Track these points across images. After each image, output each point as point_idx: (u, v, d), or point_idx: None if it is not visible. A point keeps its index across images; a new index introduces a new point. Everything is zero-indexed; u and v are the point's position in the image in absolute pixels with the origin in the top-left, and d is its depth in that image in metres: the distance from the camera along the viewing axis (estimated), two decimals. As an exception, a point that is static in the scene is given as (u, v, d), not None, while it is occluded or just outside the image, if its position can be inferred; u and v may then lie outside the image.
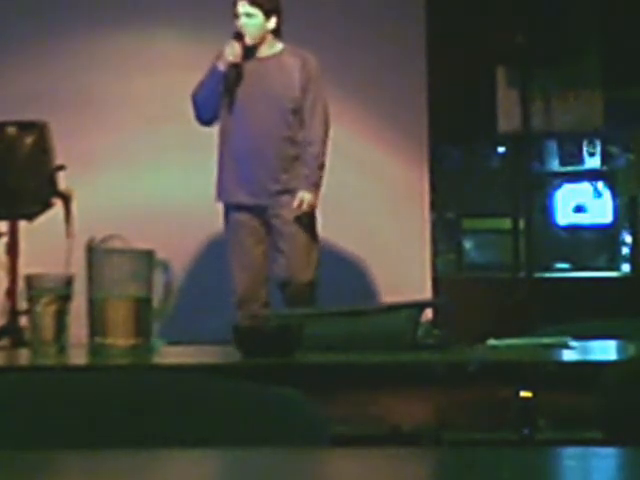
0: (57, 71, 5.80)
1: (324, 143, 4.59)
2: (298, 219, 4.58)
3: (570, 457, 1.13)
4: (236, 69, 4.53)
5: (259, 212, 4.62)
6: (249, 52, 4.55)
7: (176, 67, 5.77)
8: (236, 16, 4.53)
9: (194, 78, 5.64)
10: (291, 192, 4.57)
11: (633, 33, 5.84)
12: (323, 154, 4.60)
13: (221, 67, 4.52)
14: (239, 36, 4.50)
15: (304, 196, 4.54)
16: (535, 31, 5.75)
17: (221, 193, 4.71)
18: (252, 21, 4.51)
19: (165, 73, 5.78)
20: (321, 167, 4.61)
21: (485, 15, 5.83)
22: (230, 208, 4.70)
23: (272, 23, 4.55)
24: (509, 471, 1.06)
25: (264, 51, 4.59)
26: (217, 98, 4.55)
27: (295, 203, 4.54)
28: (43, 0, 5.91)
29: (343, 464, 1.12)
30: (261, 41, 4.56)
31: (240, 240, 4.65)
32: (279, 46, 4.62)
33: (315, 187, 4.58)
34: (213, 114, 4.60)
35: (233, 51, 4.48)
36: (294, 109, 4.55)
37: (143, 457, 1.15)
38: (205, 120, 4.66)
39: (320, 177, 4.61)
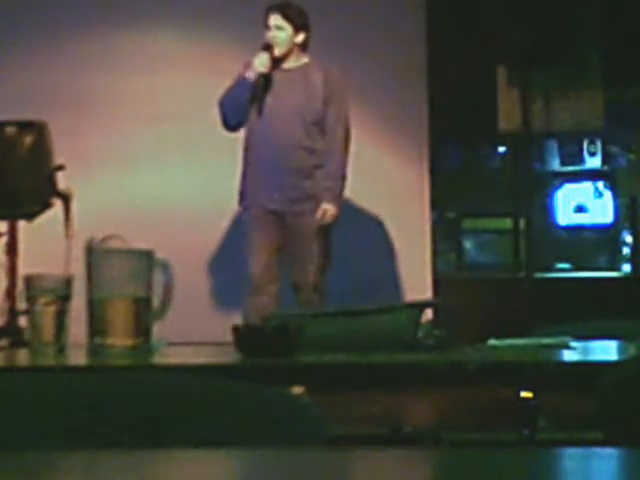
0: (56, 71, 5.79)
1: (345, 155, 4.80)
2: (316, 236, 4.74)
3: (570, 458, 1.12)
4: (264, 79, 4.70)
5: (279, 217, 4.77)
6: (276, 63, 4.74)
7: (176, 67, 5.77)
8: (267, 27, 4.73)
9: (195, 78, 5.66)
10: (310, 200, 4.74)
11: (634, 33, 5.84)
12: (344, 166, 4.80)
13: (250, 76, 4.68)
14: (268, 47, 4.69)
15: (327, 208, 4.71)
16: (536, 31, 5.75)
17: (244, 198, 4.85)
18: (282, 34, 4.73)
19: (165, 73, 5.78)
20: (343, 179, 4.80)
21: (485, 15, 5.83)
22: (251, 212, 4.82)
23: (300, 37, 4.77)
24: (509, 472, 1.06)
25: (290, 63, 4.79)
26: (245, 106, 4.71)
27: (318, 214, 4.71)
28: (42, 0, 5.91)
29: (343, 464, 1.12)
30: (288, 53, 4.76)
31: (257, 240, 4.79)
32: (304, 59, 4.81)
33: (338, 199, 4.77)
34: (240, 121, 4.77)
35: (262, 62, 4.67)
36: (315, 120, 4.73)
37: (143, 458, 1.15)
38: (232, 126, 4.82)
39: (342, 189, 4.80)
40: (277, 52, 4.72)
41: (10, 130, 4.64)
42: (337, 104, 4.76)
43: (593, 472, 1.07)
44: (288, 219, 4.76)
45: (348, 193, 5.68)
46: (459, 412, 1.90)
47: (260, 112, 4.70)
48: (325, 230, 4.78)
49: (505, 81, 6.05)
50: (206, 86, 5.20)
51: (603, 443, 1.55)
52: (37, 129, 4.66)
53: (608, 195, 6.41)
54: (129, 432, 1.36)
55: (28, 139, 4.62)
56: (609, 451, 1.18)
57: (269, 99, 4.71)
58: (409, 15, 5.90)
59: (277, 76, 4.74)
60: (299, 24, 4.75)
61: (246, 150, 4.80)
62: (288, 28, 4.73)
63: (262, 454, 1.15)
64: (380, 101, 5.84)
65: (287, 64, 4.78)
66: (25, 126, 4.66)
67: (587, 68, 5.99)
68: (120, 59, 5.80)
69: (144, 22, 5.88)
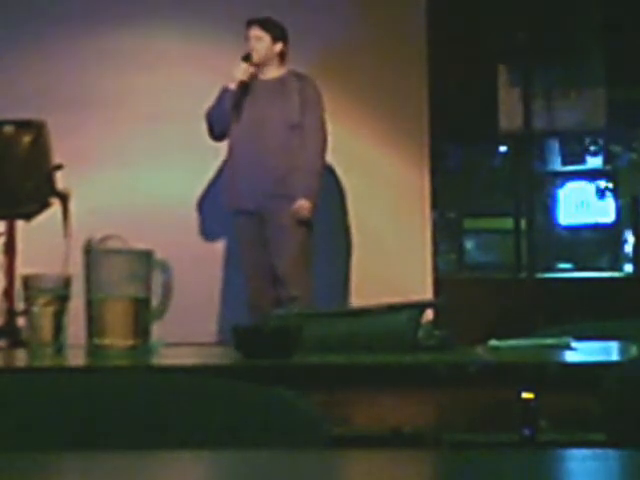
0: (55, 70, 5.79)
1: (321, 155, 5.04)
2: (292, 232, 4.93)
3: (572, 459, 1.12)
4: (244, 88, 5.03)
5: (259, 218, 4.99)
6: (255, 72, 5.07)
7: (175, 66, 5.77)
8: (247, 39, 5.09)
9: (193, 77, 5.66)
10: (285, 197, 4.93)
11: (636, 31, 5.83)
12: (320, 164, 5.04)
13: (232, 86, 5.02)
14: (247, 57, 5.04)
15: (302, 203, 4.92)
16: (537, 29, 5.75)
17: (228, 201, 5.11)
18: (260, 43, 5.07)
19: (164, 72, 5.78)
20: (318, 176, 5.01)
21: (486, 13, 5.82)
22: (236, 215, 5.09)
23: (278, 47, 5.10)
24: (510, 473, 1.06)
25: (269, 74, 5.10)
26: (228, 114, 5.03)
27: (292, 209, 4.90)
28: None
29: (343, 465, 1.12)
30: (267, 63, 5.09)
31: (246, 247, 5.09)
32: (282, 70, 5.12)
33: (311, 194, 4.96)
34: (224, 130, 5.08)
35: (242, 71, 5.02)
36: (292, 125, 4.99)
37: (142, 459, 1.15)
38: (217, 136, 5.14)
39: (316, 186, 4.99)
40: (256, 58, 5.05)
41: (8, 129, 4.63)
42: (313, 109, 5.04)
43: (595, 473, 1.06)
44: (267, 217, 4.97)
45: (349, 193, 5.69)
46: (460, 413, 1.89)
47: (239, 119, 5.01)
48: (303, 228, 4.95)
49: (506, 80, 6.05)
50: (206, 85, 5.20)
51: (605, 444, 1.54)
52: (35, 128, 4.65)
53: (610, 195, 6.40)
54: (128, 433, 1.36)
55: (26, 138, 4.61)
56: (611, 452, 1.17)
57: (249, 107, 5.03)
58: (409, 14, 5.90)
59: (257, 86, 5.06)
60: (277, 35, 5.09)
61: (229, 156, 5.09)
62: (266, 38, 5.08)
63: (262, 455, 1.15)
64: (380, 100, 5.84)
65: (266, 75, 5.09)
66: (23, 125, 4.65)
67: (589, 67, 5.98)
68: (119, 58, 5.79)
69: (143, 21, 5.88)
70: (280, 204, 4.93)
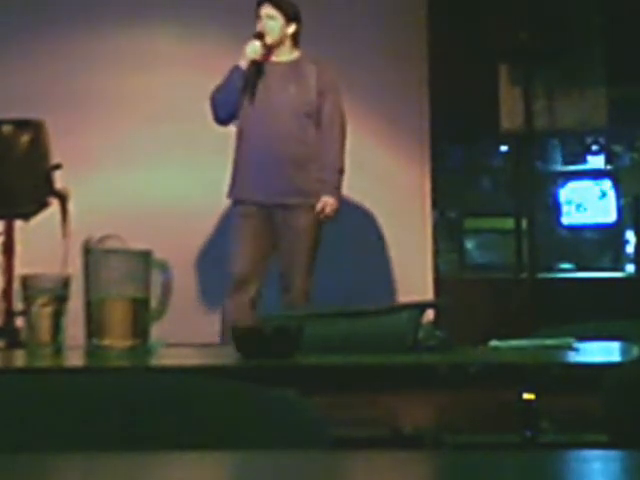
0: (54, 69, 5.78)
1: (342, 148, 4.76)
2: (307, 234, 4.70)
3: (573, 460, 1.11)
4: (256, 68, 4.71)
5: (267, 214, 4.72)
6: (268, 53, 4.75)
7: (175, 65, 5.77)
8: (258, 17, 4.76)
9: (193, 76, 5.65)
10: (300, 194, 4.70)
11: (637, 30, 5.83)
12: (341, 159, 4.76)
13: (242, 65, 4.70)
14: (260, 35, 4.71)
15: (327, 200, 4.69)
16: (538, 28, 5.74)
17: (234, 190, 4.80)
18: (273, 23, 4.74)
19: (163, 71, 5.77)
20: (341, 171, 4.76)
21: (487, 13, 5.82)
22: (240, 205, 4.78)
23: (291, 28, 4.77)
24: (511, 474, 1.05)
25: (282, 56, 4.79)
26: (237, 96, 4.70)
27: (318, 207, 4.69)
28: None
29: (343, 467, 1.11)
30: (280, 44, 4.76)
31: (244, 234, 4.74)
32: (296, 53, 4.81)
33: (337, 192, 4.74)
34: (231, 113, 4.76)
35: (254, 49, 4.68)
36: (309, 112, 4.71)
37: (141, 460, 1.14)
38: (223, 119, 4.81)
39: (340, 181, 4.76)
40: (269, 40, 4.72)
41: (7, 129, 4.63)
42: (332, 96, 4.75)
43: (597, 475, 1.05)
44: (277, 216, 4.71)
45: (349, 192, 5.68)
46: (460, 414, 1.88)
47: (252, 104, 4.69)
48: (317, 229, 4.74)
49: (507, 79, 6.04)
50: (205, 85, 5.18)
51: (607, 445, 1.54)
52: (34, 128, 4.65)
53: (611, 194, 6.39)
54: (127, 434, 1.35)
55: (25, 138, 4.61)
56: (613, 453, 1.16)
57: (261, 92, 4.71)
58: (410, 12, 5.90)
59: (269, 69, 4.74)
60: (290, 15, 4.75)
61: (238, 142, 4.77)
62: (279, 18, 4.74)
63: (262, 456, 1.14)
64: (381, 100, 5.84)
65: (279, 57, 4.78)
66: (22, 125, 4.65)
67: (590, 66, 5.98)
68: (118, 58, 5.79)
69: (142, 20, 5.88)
70: (294, 200, 4.66)
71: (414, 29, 5.89)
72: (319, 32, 5.71)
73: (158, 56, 5.80)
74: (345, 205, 5.57)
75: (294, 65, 4.77)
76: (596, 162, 6.41)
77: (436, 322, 2.66)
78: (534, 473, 1.05)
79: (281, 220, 4.71)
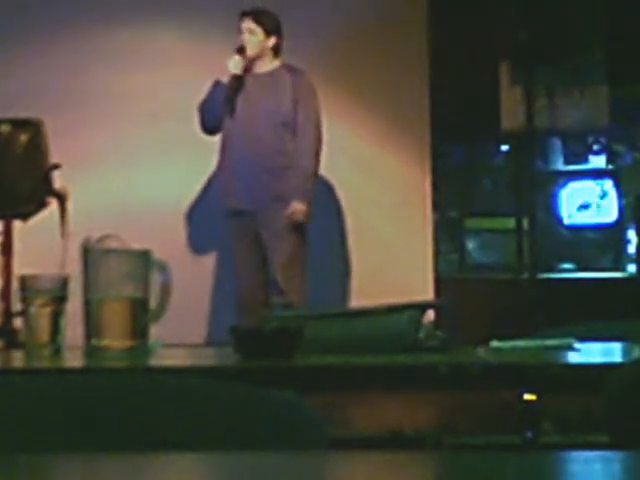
0: (52, 68, 5.78)
1: (315, 155, 4.88)
2: (286, 236, 4.83)
3: (575, 461, 1.11)
4: (238, 81, 4.92)
5: (252, 219, 4.88)
6: (249, 66, 4.96)
7: (175, 64, 5.76)
8: (239, 31, 4.95)
9: (193, 75, 5.64)
10: (278, 200, 4.83)
11: (639, 29, 5.82)
12: (314, 165, 4.89)
13: (224, 79, 4.92)
14: (241, 50, 4.91)
15: (296, 206, 4.80)
16: (538, 27, 5.74)
17: (222, 201, 5.02)
18: (253, 37, 4.94)
19: (163, 70, 5.77)
20: (313, 177, 4.89)
21: (487, 12, 5.82)
22: (229, 214, 4.99)
23: (271, 42, 4.96)
24: (512, 475, 1.04)
25: (261, 68, 4.98)
26: (219, 109, 4.92)
27: (287, 212, 4.81)
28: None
29: (343, 467, 1.10)
30: (261, 57, 4.96)
31: (239, 246, 4.98)
32: (276, 63, 4.99)
33: (306, 196, 4.84)
34: (217, 123, 4.97)
35: (235, 64, 4.90)
36: (285, 121, 4.87)
37: (141, 461, 1.13)
38: (209, 129, 5.03)
39: (311, 187, 4.87)
40: (249, 53, 4.92)
41: (5, 128, 4.62)
42: (306, 104, 4.89)
43: (598, 476, 1.05)
44: (260, 220, 4.87)
45: (349, 192, 5.68)
46: (461, 415, 1.88)
47: (233, 115, 4.89)
48: (299, 232, 4.85)
49: (508, 79, 6.04)
50: (204, 84, 5.19)
51: (608, 446, 1.53)
52: (33, 127, 4.64)
53: (613, 194, 6.38)
54: (126, 435, 1.34)
55: (23, 137, 4.60)
56: (614, 454, 1.16)
57: (242, 102, 4.90)
58: (410, 13, 5.89)
59: (250, 81, 4.94)
60: (270, 28, 4.95)
61: (221, 152, 4.97)
62: (259, 32, 4.94)
63: (262, 457, 1.14)
64: (381, 99, 5.83)
65: (259, 69, 4.98)
66: (20, 124, 4.65)
67: (591, 65, 5.97)
68: (117, 57, 5.79)
69: (142, 19, 5.88)
70: (274, 206, 4.83)
71: (415, 28, 5.89)
72: (319, 32, 5.71)
73: (158, 55, 5.80)
74: (345, 205, 5.58)
75: (271, 75, 4.96)
76: (597, 162, 6.40)
77: (437, 322, 2.66)
78: (535, 474, 1.04)
79: (263, 226, 4.87)
